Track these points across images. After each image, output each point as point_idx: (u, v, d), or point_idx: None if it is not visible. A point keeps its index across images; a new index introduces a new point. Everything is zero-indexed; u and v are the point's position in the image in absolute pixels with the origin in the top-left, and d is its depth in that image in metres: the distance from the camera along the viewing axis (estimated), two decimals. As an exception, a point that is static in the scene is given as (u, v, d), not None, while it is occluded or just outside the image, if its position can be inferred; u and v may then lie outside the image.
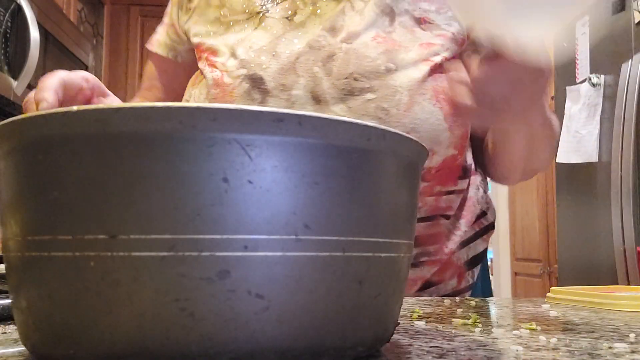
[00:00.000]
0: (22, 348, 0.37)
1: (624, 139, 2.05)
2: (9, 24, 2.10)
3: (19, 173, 0.31)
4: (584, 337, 0.44)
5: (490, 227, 0.95)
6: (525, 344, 0.40)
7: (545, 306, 0.69)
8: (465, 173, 0.85)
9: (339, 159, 0.30)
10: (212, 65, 0.77)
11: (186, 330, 0.28)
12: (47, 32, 2.44)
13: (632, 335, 0.44)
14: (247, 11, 0.79)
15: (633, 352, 0.38)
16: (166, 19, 0.90)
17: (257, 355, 0.29)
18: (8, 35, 2.10)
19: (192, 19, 0.83)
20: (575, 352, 0.37)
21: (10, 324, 0.49)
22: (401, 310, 0.44)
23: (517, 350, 0.37)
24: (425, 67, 0.75)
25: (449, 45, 0.78)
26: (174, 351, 0.28)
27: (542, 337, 0.43)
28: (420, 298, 0.76)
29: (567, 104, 2.44)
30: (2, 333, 0.44)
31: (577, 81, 2.41)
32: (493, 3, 0.49)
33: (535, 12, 0.48)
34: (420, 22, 0.78)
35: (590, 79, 2.29)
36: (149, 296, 0.28)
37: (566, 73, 2.50)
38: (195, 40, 0.82)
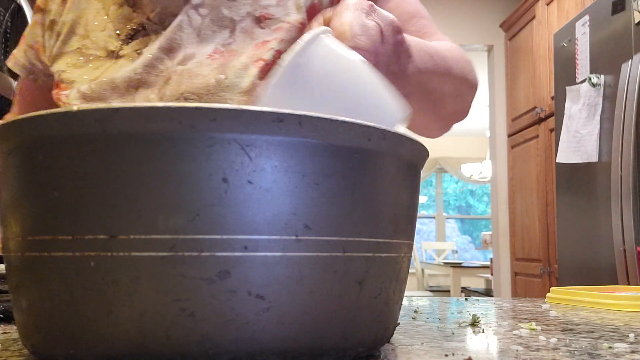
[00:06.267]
0: (22, 348, 0.37)
1: (624, 139, 2.05)
2: (9, 24, 2.10)
3: (19, 173, 0.31)
4: (584, 337, 0.44)
5: None
6: (525, 344, 0.40)
7: (545, 306, 0.69)
8: None
9: (339, 160, 0.30)
10: (59, 98, 0.75)
11: (186, 330, 0.28)
12: (47, 32, 2.43)
13: (632, 335, 0.44)
14: (105, 48, 0.77)
15: (633, 352, 0.38)
16: (27, 37, 0.85)
17: (257, 356, 0.29)
18: (8, 35, 2.10)
19: (57, 46, 0.80)
20: (575, 352, 0.37)
21: (10, 323, 0.49)
22: (401, 310, 0.44)
23: (517, 350, 0.37)
24: (254, 71, 0.72)
25: (285, 36, 0.74)
26: (174, 351, 0.28)
27: (542, 337, 0.43)
28: (420, 298, 0.76)
29: (567, 104, 2.44)
30: (3, 333, 0.44)
31: (577, 81, 2.41)
32: None
33: None
34: (260, 20, 0.75)
35: (590, 79, 2.29)
36: (149, 296, 0.28)
37: (566, 73, 2.50)
38: (53, 69, 0.79)
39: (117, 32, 0.77)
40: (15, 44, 2.29)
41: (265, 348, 0.29)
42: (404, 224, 0.35)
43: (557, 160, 2.46)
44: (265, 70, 0.72)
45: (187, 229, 0.28)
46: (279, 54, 0.73)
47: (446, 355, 0.35)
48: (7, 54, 2.10)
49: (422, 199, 7.35)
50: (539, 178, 3.24)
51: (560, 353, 0.37)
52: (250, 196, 0.28)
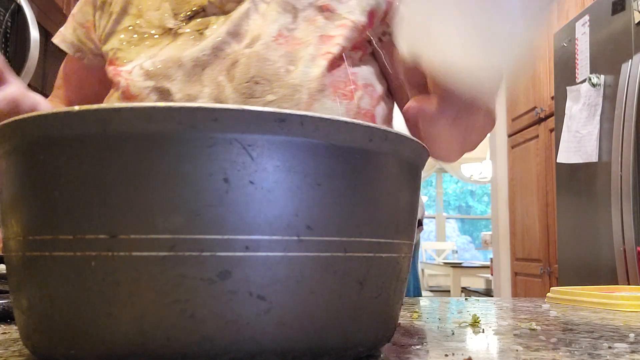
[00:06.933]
0: (22, 348, 0.37)
1: (624, 139, 2.05)
2: (9, 24, 2.10)
3: (20, 173, 0.31)
4: (584, 337, 0.44)
5: (419, 223, 0.96)
6: (525, 344, 0.40)
7: (545, 306, 0.69)
8: None
9: (341, 160, 0.30)
10: (118, 74, 0.76)
11: (187, 331, 0.28)
12: (47, 32, 2.44)
13: (632, 335, 0.44)
14: (161, 26, 0.78)
15: (633, 352, 0.38)
16: (77, 16, 0.85)
17: (258, 356, 0.29)
18: (8, 35, 2.10)
19: (110, 25, 0.81)
20: (575, 352, 0.38)
21: (10, 323, 0.49)
22: (401, 310, 0.44)
23: (517, 350, 0.37)
24: (323, 62, 0.74)
25: (349, 34, 0.77)
26: (174, 352, 0.28)
27: (542, 337, 0.43)
28: (420, 298, 0.76)
29: (567, 104, 2.44)
30: (3, 333, 0.44)
31: (577, 81, 2.41)
32: (447, 34, 0.48)
33: (492, 46, 0.47)
34: (322, 9, 0.78)
35: (590, 79, 2.29)
36: (149, 297, 0.28)
37: (566, 73, 2.50)
38: (107, 47, 0.80)
39: (174, 11, 0.78)
40: (15, 43, 2.29)
41: (266, 349, 0.29)
42: (405, 224, 0.35)
43: (558, 160, 2.46)
44: (333, 63, 0.74)
45: (187, 229, 0.28)
46: (344, 49, 0.76)
47: (446, 355, 0.35)
48: (7, 54, 2.10)
49: (422, 199, 7.32)
50: (539, 178, 3.24)
51: (560, 353, 0.37)
52: (251, 196, 0.28)
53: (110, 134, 0.28)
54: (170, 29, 0.78)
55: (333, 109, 0.75)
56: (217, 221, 0.28)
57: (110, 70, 0.78)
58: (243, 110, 0.28)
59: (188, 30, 0.77)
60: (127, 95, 0.74)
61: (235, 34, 0.75)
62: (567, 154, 2.39)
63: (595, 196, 2.25)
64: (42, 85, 2.47)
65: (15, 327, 0.46)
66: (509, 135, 3.72)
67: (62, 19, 2.65)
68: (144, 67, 0.74)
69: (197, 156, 0.28)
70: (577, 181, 2.40)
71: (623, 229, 2.03)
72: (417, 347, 0.39)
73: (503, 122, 3.92)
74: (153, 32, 0.78)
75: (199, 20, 0.78)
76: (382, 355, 0.36)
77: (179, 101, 0.73)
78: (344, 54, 0.76)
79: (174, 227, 0.28)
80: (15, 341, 0.40)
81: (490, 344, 0.40)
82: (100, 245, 0.28)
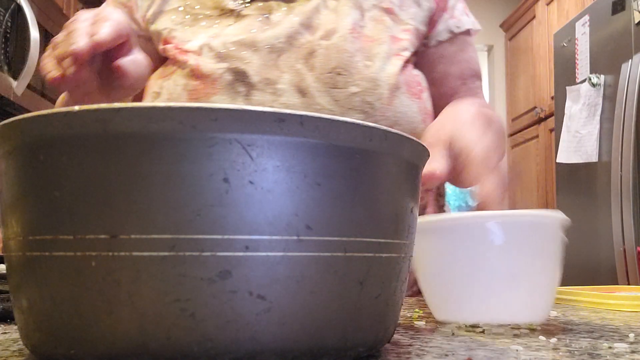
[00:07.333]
0: (22, 348, 0.37)
1: (624, 139, 2.05)
2: (9, 24, 2.10)
3: (20, 173, 0.31)
4: (584, 337, 0.44)
5: None
6: (525, 344, 0.40)
7: (546, 306, 0.69)
8: None
9: (340, 160, 0.30)
10: (183, 53, 0.76)
11: (187, 330, 0.28)
12: (47, 32, 2.44)
13: (632, 335, 0.44)
14: (218, 7, 0.79)
15: (633, 352, 0.38)
16: None
17: (258, 356, 0.29)
18: (8, 35, 2.10)
19: (156, 5, 0.81)
20: (575, 352, 0.38)
21: (10, 323, 0.49)
22: (401, 310, 0.44)
23: (517, 350, 0.37)
24: (398, 62, 0.77)
25: (414, 41, 0.81)
26: (174, 352, 0.28)
27: (542, 337, 0.43)
28: (420, 298, 0.76)
29: (567, 104, 2.44)
30: (3, 333, 0.44)
31: (577, 81, 2.41)
32: None
33: None
34: (387, 11, 0.81)
35: (590, 79, 2.29)
36: (149, 296, 0.28)
37: (566, 73, 2.50)
38: (158, 27, 0.80)
39: None
40: (15, 43, 2.30)
41: (266, 348, 0.29)
42: (405, 224, 0.35)
43: (557, 160, 2.46)
44: (405, 65, 0.79)
45: (188, 229, 0.28)
46: (412, 54, 0.81)
47: (446, 356, 0.35)
48: (7, 53, 2.10)
49: (422, 199, 7.31)
50: (539, 178, 3.24)
51: (560, 353, 0.37)
52: (251, 196, 0.28)
53: (110, 134, 0.28)
54: (232, 10, 0.78)
55: (410, 107, 0.77)
56: (217, 221, 0.28)
57: (170, 48, 0.77)
58: (243, 110, 0.28)
59: (253, 12, 0.78)
60: (197, 75, 0.74)
61: (307, 25, 0.76)
62: (567, 154, 2.39)
63: (595, 196, 2.25)
64: (42, 85, 2.47)
65: (15, 327, 0.46)
66: (509, 135, 3.72)
67: (62, 19, 2.65)
68: (214, 48, 0.75)
69: (197, 156, 0.28)
70: (577, 181, 2.40)
71: (623, 229, 2.04)
72: (417, 347, 0.39)
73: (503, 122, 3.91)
74: (209, 12, 0.79)
75: (260, 4, 0.79)
76: (382, 356, 0.36)
77: (258, 84, 0.73)
78: (410, 59, 0.80)
79: (175, 227, 0.28)
80: (15, 341, 0.40)
81: (490, 344, 0.40)
82: (101, 245, 0.28)
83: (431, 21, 0.84)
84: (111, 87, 0.60)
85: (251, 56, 0.74)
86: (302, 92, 0.74)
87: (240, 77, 0.74)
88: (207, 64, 0.74)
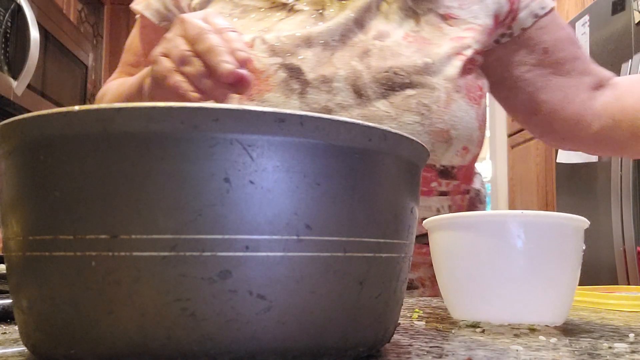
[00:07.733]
0: (22, 348, 0.37)
1: (623, 139, 2.05)
2: (9, 24, 2.10)
3: (20, 173, 0.31)
4: (584, 337, 0.44)
5: None
6: (525, 344, 0.40)
7: (546, 306, 0.69)
8: (475, 171, 0.86)
9: (340, 160, 0.30)
10: None
11: (187, 330, 0.28)
12: (47, 32, 2.44)
13: (632, 335, 0.44)
14: (269, 0, 0.77)
15: (633, 352, 0.38)
16: None
17: (258, 356, 0.29)
18: (8, 35, 2.10)
19: None
20: (575, 352, 0.38)
21: (10, 323, 0.49)
22: (401, 310, 0.44)
23: (517, 350, 0.38)
24: (458, 63, 0.75)
25: (479, 38, 0.78)
26: (175, 351, 0.28)
27: (542, 337, 0.43)
28: (421, 298, 0.77)
29: (567, 104, 2.43)
30: (3, 333, 0.44)
31: (577, 81, 2.40)
32: None
33: None
34: (445, 18, 0.79)
35: (590, 79, 2.28)
36: (150, 296, 0.28)
37: (566, 73, 2.49)
38: None
39: None
40: (15, 43, 2.29)
41: (266, 348, 0.29)
42: (405, 224, 0.35)
43: (558, 160, 2.46)
44: (465, 66, 0.76)
45: (188, 229, 0.28)
46: (476, 52, 0.78)
47: (446, 355, 0.36)
48: (7, 53, 2.10)
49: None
50: (539, 178, 3.24)
51: (560, 353, 0.37)
52: (251, 196, 0.28)
53: (111, 134, 0.28)
54: (285, 4, 0.77)
55: (467, 112, 0.75)
56: (218, 221, 0.28)
57: None
58: (243, 111, 0.28)
59: (306, 8, 0.77)
60: (249, 69, 0.73)
61: (360, 24, 0.75)
62: (567, 154, 2.39)
63: (595, 196, 2.25)
64: (42, 85, 2.47)
65: (15, 327, 0.46)
66: (509, 135, 3.72)
67: (62, 18, 2.65)
68: (267, 41, 0.72)
69: (198, 156, 0.28)
70: (577, 181, 2.40)
71: (623, 229, 2.04)
72: (417, 347, 0.39)
73: (503, 122, 3.92)
74: (259, 5, 0.77)
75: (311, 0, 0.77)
76: (382, 356, 0.36)
77: (313, 82, 0.72)
78: (474, 58, 0.78)
79: (176, 227, 0.28)
80: (15, 341, 0.40)
81: (490, 344, 0.40)
82: (101, 245, 0.28)
83: (506, 11, 0.81)
84: (225, 96, 0.57)
85: (305, 52, 0.72)
86: (357, 92, 0.72)
87: (295, 73, 0.71)
88: (261, 59, 0.71)
